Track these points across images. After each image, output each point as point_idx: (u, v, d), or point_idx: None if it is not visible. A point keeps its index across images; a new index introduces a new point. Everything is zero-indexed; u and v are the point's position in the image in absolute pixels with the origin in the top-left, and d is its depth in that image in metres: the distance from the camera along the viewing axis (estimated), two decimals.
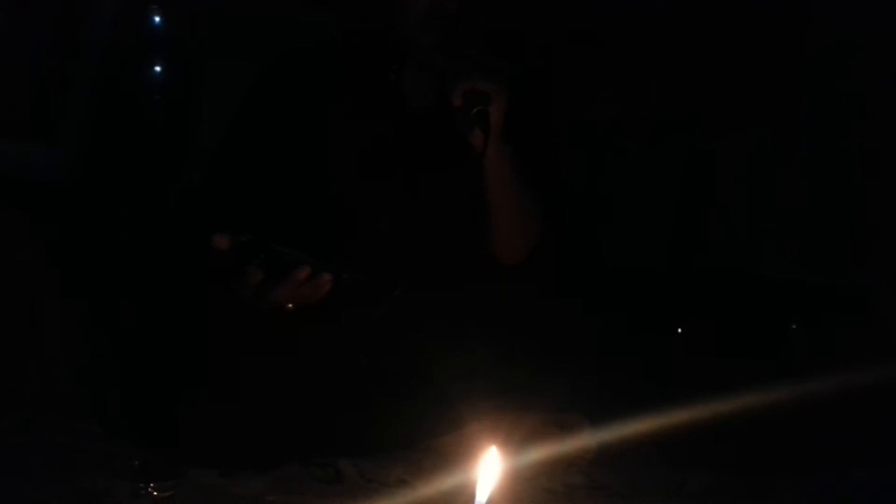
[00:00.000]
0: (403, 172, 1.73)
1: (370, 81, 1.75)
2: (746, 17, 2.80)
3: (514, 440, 1.58)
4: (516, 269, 1.77)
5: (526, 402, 1.64)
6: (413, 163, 1.74)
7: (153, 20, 2.62)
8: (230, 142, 1.76)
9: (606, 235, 2.92)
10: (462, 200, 1.72)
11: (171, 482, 1.40)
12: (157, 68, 2.69)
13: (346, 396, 1.59)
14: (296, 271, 1.45)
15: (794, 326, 2.59)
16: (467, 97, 1.58)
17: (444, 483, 1.45)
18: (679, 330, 2.49)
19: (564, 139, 2.85)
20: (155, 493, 1.36)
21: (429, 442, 1.63)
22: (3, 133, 2.52)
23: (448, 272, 1.71)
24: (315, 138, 1.71)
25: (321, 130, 1.72)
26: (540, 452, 1.56)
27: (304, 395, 1.54)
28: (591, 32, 2.85)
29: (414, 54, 1.69)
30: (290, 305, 1.50)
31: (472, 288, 1.72)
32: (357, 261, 1.53)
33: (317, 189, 1.72)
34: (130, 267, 2.43)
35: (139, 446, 1.54)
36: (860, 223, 2.79)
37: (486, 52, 1.66)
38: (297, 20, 2.65)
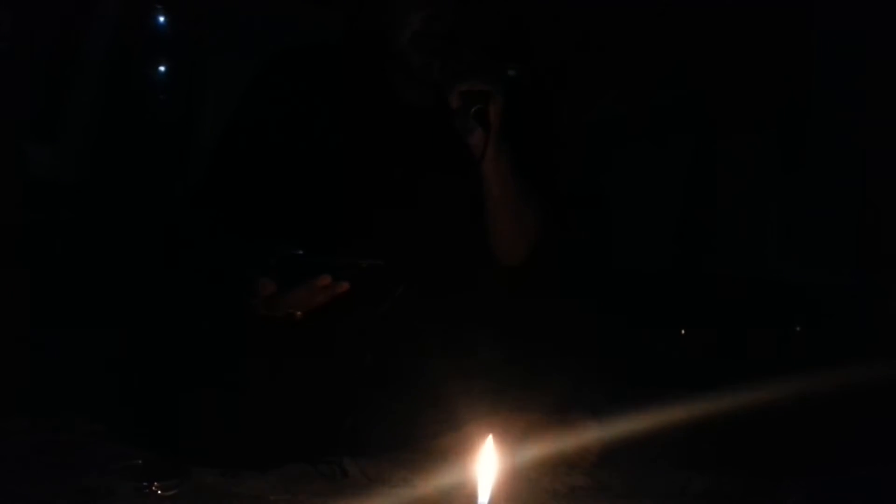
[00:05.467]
0: (401, 171, 1.72)
1: (365, 81, 1.75)
2: (752, 19, 2.80)
3: (515, 440, 1.59)
4: (518, 268, 1.77)
5: (526, 402, 1.64)
6: (411, 161, 1.73)
7: (157, 20, 2.62)
8: (226, 141, 1.76)
9: (611, 236, 2.92)
10: (461, 199, 1.72)
11: (174, 481, 1.40)
12: (162, 67, 2.70)
13: (349, 397, 1.59)
14: (315, 279, 1.46)
15: (798, 328, 2.59)
16: (465, 98, 1.59)
17: (446, 483, 1.45)
18: (683, 331, 2.49)
19: (570, 140, 2.86)
20: (158, 492, 1.36)
21: (431, 442, 1.63)
22: (8, 131, 2.52)
23: (449, 271, 1.70)
24: (309, 136, 1.71)
25: (315, 129, 1.71)
26: (544, 452, 1.56)
27: (306, 394, 1.54)
28: (597, 33, 2.84)
29: (407, 68, 1.69)
30: (299, 314, 1.51)
31: (473, 287, 1.71)
32: (365, 251, 1.53)
33: (314, 186, 1.71)
34: (135, 265, 2.43)
35: (142, 446, 1.55)
36: (865, 224, 2.79)
37: (480, 52, 1.66)
38: (300, 20, 2.65)
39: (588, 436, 1.63)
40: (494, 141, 1.60)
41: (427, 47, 1.65)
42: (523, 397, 1.63)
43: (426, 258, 1.68)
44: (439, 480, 1.46)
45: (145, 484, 1.38)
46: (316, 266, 1.48)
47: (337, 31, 2.12)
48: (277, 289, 1.48)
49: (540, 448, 1.57)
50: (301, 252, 1.48)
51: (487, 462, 1.02)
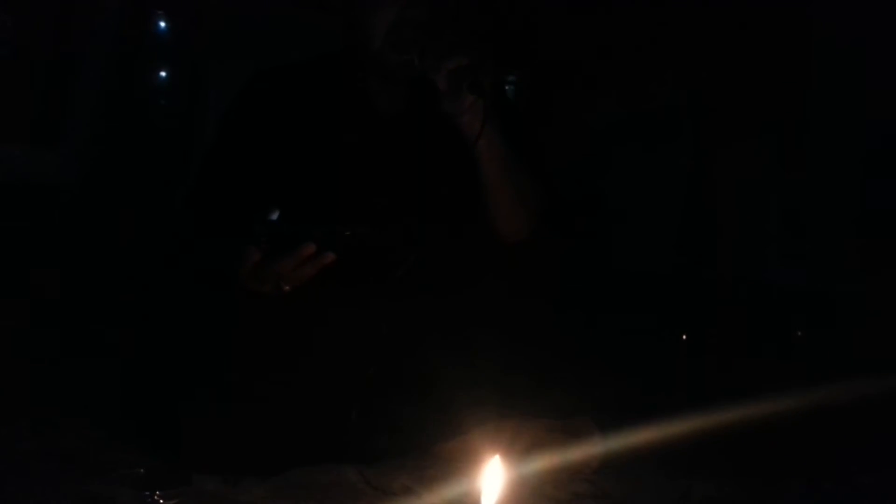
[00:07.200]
0: (384, 179, 1.72)
1: (341, 93, 1.75)
2: (751, 22, 2.80)
3: (518, 447, 1.59)
4: (520, 261, 1.75)
5: (528, 409, 1.64)
6: (393, 168, 1.73)
7: (158, 25, 2.63)
8: (211, 161, 1.77)
9: (612, 239, 2.92)
10: (453, 195, 1.71)
11: (175, 489, 1.40)
12: (162, 72, 2.70)
13: (351, 403, 1.59)
14: (300, 248, 1.46)
15: (798, 333, 2.59)
16: (453, 77, 1.57)
17: (448, 490, 1.45)
18: (683, 336, 2.49)
19: (570, 142, 2.86)
20: (160, 501, 1.36)
21: (433, 449, 1.63)
22: (9, 136, 2.53)
23: (447, 274, 1.70)
24: (290, 148, 1.71)
25: (295, 144, 1.71)
26: (547, 459, 1.56)
27: (308, 401, 1.54)
28: (599, 37, 2.85)
29: (386, 68, 1.68)
30: (287, 287, 1.49)
31: (474, 291, 1.71)
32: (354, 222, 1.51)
33: (299, 194, 1.71)
34: (135, 270, 2.44)
35: (144, 453, 1.55)
36: (865, 225, 2.79)
37: (460, 32, 1.65)
38: (299, 25, 2.66)
39: (590, 443, 1.63)
40: (492, 112, 1.58)
41: (404, 39, 1.63)
42: (525, 405, 1.63)
43: (425, 259, 1.67)
44: (442, 488, 1.46)
45: (147, 492, 1.38)
46: (300, 234, 1.46)
47: (335, 35, 2.12)
48: (263, 259, 1.48)
49: (542, 455, 1.56)
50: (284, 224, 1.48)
51: (491, 470, 1.02)
